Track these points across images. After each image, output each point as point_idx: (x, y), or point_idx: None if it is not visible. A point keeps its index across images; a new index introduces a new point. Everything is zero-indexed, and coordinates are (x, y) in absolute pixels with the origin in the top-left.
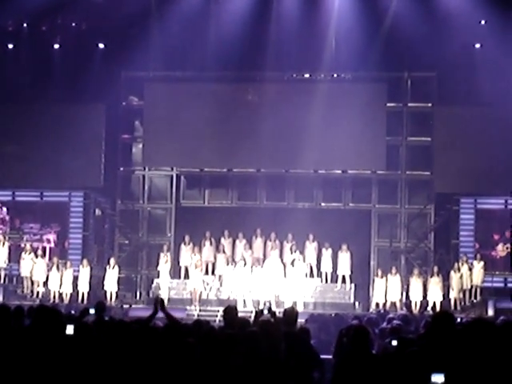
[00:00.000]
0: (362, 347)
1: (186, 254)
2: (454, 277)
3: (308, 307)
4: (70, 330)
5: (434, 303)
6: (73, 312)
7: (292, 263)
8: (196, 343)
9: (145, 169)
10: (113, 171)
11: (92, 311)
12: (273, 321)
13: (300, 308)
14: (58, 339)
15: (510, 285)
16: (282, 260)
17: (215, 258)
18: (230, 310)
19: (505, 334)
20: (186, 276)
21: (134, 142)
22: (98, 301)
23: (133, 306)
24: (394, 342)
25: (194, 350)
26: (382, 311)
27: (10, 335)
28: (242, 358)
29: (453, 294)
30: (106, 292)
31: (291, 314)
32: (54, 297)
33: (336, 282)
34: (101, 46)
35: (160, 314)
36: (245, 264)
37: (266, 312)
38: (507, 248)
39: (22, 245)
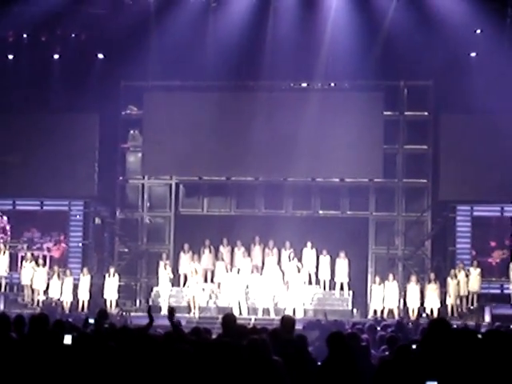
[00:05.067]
0: (340, 352)
1: (186, 261)
2: (451, 283)
3: (307, 314)
4: (67, 340)
5: (432, 310)
6: (70, 320)
7: (298, 270)
8: (193, 351)
9: (144, 178)
10: (112, 180)
11: (91, 321)
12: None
13: (299, 315)
14: (57, 349)
15: (506, 291)
16: (280, 267)
17: (214, 265)
18: (229, 318)
19: (490, 343)
20: (186, 284)
21: (132, 151)
22: (100, 309)
23: (132, 313)
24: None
25: (191, 357)
26: (380, 318)
27: (10, 344)
28: (242, 366)
29: (450, 301)
30: (105, 300)
31: (288, 321)
32: (56, 305)
33: (334, 289)
34: (100, 56)
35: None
36: (238, 271)
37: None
38: (503, 254)
39: (23, 253)
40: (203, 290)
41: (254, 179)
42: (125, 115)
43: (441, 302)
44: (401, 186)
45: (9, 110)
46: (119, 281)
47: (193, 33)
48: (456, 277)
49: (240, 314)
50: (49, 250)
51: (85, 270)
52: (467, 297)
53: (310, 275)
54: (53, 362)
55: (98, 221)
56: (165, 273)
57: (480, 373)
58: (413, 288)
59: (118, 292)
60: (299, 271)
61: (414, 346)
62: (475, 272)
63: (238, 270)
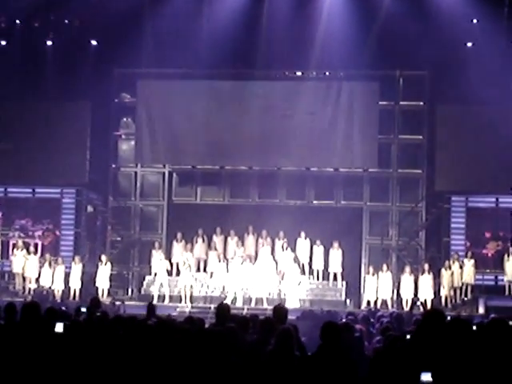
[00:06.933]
0: (333, 343)
1: (178, 251)
2: (445, 274)
3: (303, 304)
4: (59, 327)
5: (425, 301)
6: (64, 308)
7: (295, 260)
8: (185, 339)
9: (137, 166)
10: (104, 168)
11: (83, 309)
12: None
13: (294, 305)
14: (47, 336)
15: (500, 283)
16: (273, 257)
17: (207, 255)
18: (223, 308)
19: (490, 333)
20: (178, 273)
21: (125, 139)
22: (93, 297)
23: (126, 302)
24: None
25: (184, 346)
26: (373, 309)
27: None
28: (235, 354)
29: (444, 292)
30: (97, 289)
31: (281, 311)
32: (48, 293)
33: (327, 279)
34: (93, 42)
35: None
36: (242, 262)
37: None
38: (498, 245)
39: (14, 241)
40: (196, 279)
41: (247, 168)
42: (117, 103)
43: (434, 293)
44: (395, 176)
45: (0, 96)
46: (111, 269)
47: (187, 20)
48: (450, 268)
49: (234, 303)
50: (39, 237)
51: (76, 258)
52: (461, 288)
53: (303, 265)
54: (44, 349)
55: (90, 209)
56: (161, 262)
57: (475, 363)
58: (406, 279)
59: (110, 280)
60: (292, 261)
61: (408, 337)
62: (469, 263)
63: (242, 258)
